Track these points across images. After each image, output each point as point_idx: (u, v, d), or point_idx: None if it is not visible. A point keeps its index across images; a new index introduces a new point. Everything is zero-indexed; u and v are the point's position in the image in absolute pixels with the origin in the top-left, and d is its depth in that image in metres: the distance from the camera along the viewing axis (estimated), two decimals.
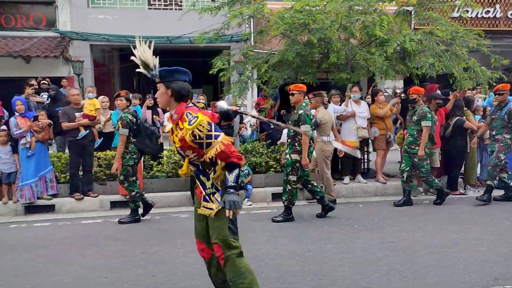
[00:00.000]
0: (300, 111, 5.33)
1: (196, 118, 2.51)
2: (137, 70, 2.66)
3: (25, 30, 12.17)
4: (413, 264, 3.92)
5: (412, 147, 6.15)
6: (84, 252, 4.50)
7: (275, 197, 6.58)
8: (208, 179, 2.68)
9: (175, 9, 13.09)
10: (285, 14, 6.56)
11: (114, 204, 6.35)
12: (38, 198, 6.12)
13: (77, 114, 6.14)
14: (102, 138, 6.56)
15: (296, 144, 5.37)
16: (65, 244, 4.82)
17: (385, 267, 3.87)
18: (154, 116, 7.21)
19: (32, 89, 6.65)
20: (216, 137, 2.53)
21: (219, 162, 2.65)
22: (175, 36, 11.84)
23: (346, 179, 7.17)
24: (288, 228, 5.23)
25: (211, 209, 2.66)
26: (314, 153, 6.38)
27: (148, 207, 5.76)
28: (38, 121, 5.99)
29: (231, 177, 2.55)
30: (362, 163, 7.66)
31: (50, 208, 6.20)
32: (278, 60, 7.38)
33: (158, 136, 6.00)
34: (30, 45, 11.59)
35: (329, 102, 6.97)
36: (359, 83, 7.59)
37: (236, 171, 2.58)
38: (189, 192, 6.46)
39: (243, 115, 6.06)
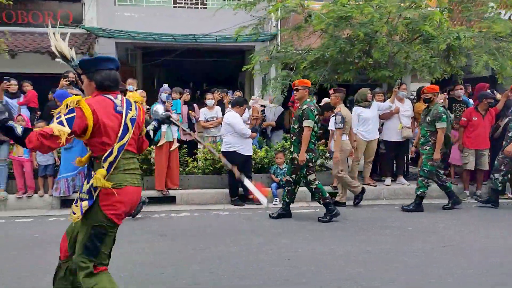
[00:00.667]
0: (304, 106, 5.15)
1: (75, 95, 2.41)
2: (56, 59, 2.54)
3: (53, 26, 12.15)
4: (481, 268, 3.66)
5: (424, 147, 5.78)
6: (129, 247, 4.31)
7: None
8: (88, 182, 2.39)
9: (200, 7, 13.00)
10: (329, 8, 6.37)
11: (151, 200, 6.15)
12: (75, 192, 5.97)
13: None
14: None
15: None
16: None
17: (453, 270, 3.62)
18: (190, 111, 7.03)
19: (66, 81, 6.52)
20: (60, 123, 2.23)
21: (104, 165, 2.37)
22: (201, 35, 11.72)
23: (388, 180, 6.90)
24: (336, 229, 4.99)
25: (75, 214, 2.39)
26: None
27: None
28: None
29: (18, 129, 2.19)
30: (404, 165, 7.38)
31: None
32: (316, 58, 7.20)
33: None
34: None
35: (372, 99, 6.71)
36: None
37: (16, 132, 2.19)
38: (226, 190, 6.27)
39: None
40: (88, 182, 2.38)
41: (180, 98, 6.55)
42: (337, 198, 6.08)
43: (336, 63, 7.19)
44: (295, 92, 5.36)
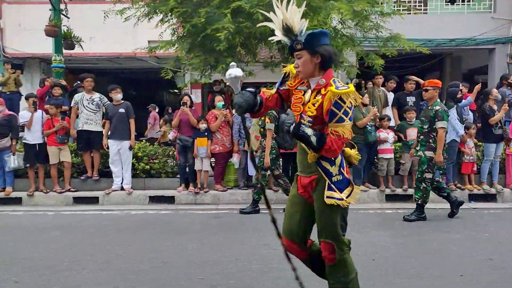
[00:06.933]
0: (437, 107, 5.20)
1: (346, 87, 2.26)
2: (271, 38, 2.33)
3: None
4: None
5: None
6: None
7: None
8: (333, 164, 2.34)
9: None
10: None
11: None
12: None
13: None
14: None
15: (430, 140, 5.25)
16: None
17: None
18: None
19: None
20: (351, 119, 2.27)
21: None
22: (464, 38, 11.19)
23: None
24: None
25: (339, 199, 2.33)
26: None
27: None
28: None
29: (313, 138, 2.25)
30: None
31: None
32: None
33: None
34: None
35: None
36: None
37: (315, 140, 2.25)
38: None
39: None
40: (332, 165, 2.35)
41: None
42: None
43: None
44: (423, 92, 5.45)
